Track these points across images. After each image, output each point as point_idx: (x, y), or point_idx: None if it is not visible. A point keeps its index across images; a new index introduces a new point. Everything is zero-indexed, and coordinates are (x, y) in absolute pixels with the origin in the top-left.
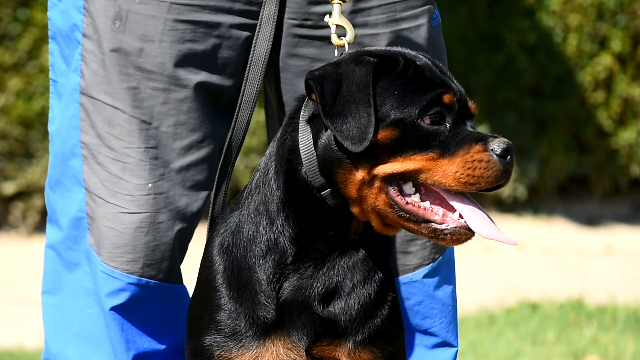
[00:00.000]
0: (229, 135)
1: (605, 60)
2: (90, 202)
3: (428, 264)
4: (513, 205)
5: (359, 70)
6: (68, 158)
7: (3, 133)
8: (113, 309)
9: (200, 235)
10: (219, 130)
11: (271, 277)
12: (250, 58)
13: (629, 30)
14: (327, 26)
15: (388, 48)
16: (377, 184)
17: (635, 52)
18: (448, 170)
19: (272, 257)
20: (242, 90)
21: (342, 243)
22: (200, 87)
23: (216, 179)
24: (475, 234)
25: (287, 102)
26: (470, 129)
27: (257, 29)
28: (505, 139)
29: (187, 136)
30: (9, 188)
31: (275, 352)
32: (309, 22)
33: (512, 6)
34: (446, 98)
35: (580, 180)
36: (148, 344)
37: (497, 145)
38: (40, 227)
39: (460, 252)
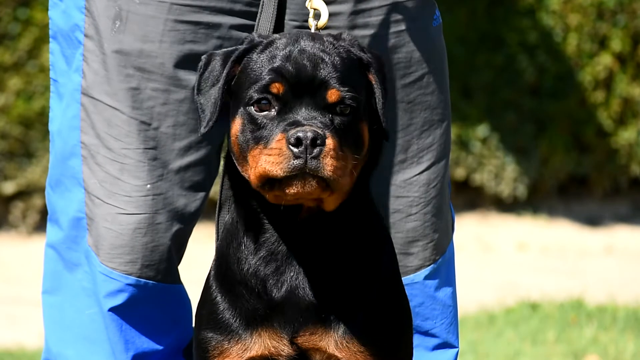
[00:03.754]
0: None
1: (605, 60)
2: (89, 203)
3: (429, 265)
4: (513, 204)
5: (230, 53)
6: (68, 158)
7: (3, 133)
8: (112, 309)
9: (198, 236)
10: (216, 131)
11: (252, 270)
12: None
13: (629, 30)
14: (327, 27)
15: (296, 31)
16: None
17: (635, 52)
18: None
19: (248, 249)
20: None
21: (302, 225)
22: None
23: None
24: None
25: None
26: (308, 119)
27: (259, 10)
28: (307, 127)
29: (187, 137)
30: (9, 188)
31: (263, 343)
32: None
33: (512, 6)
34: (273, 87)
35: (580, 180)
36: (147, 344)
37: (292, 134)
38: (40, 226)
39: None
